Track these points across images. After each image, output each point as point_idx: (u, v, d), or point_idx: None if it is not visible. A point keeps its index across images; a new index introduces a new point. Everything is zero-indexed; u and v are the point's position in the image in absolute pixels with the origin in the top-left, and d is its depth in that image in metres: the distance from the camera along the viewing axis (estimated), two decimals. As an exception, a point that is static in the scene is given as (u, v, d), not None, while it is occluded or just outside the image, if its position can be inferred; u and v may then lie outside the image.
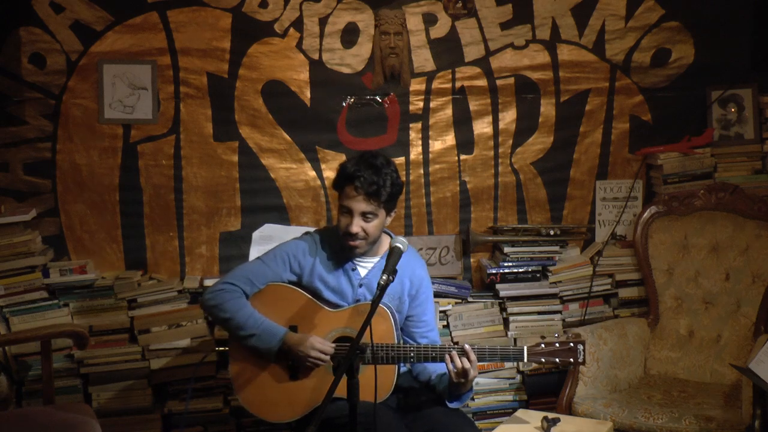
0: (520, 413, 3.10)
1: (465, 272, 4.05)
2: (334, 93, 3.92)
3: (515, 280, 3.92)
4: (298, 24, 3.85)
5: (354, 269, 2.96)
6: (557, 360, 2.80)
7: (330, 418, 2.72)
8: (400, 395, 2.95)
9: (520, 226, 4.04)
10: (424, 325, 3.06)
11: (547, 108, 4.04)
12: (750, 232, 3.75)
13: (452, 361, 2.75)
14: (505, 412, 3.80)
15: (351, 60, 3.90)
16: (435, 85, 3.96)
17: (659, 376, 3.70)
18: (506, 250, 3.93)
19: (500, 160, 4.05)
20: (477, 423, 3.81)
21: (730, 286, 3.73)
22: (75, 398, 3.62)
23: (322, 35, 3.87)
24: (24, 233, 3.65)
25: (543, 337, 2.87)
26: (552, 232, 3.99)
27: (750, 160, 4.01)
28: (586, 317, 3.93)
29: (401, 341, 2.98)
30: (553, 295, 3.92)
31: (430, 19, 3.91)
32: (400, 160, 3.96)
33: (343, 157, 3.94)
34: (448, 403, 2.88)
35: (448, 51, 3.94)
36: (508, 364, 3.82)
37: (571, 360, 2.80)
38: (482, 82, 3.98)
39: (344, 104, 3.93)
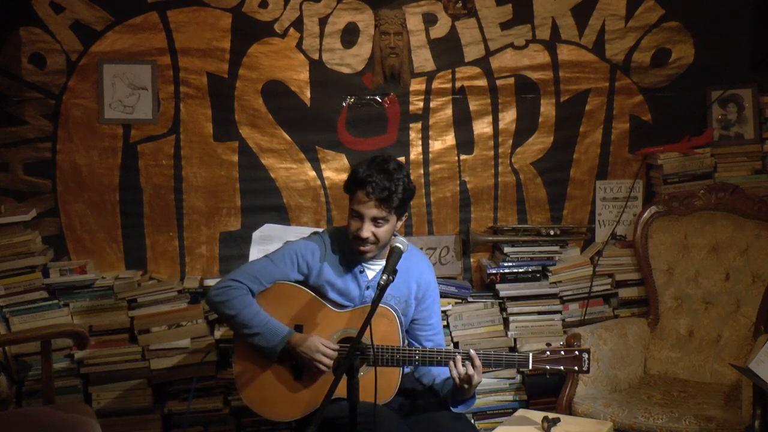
0: (520, 413, 3.10)
1: (465, 272, 4.05)
2: (334, 93, 3.92)
3: (515, 280, 3.92)
4: (298, 24, 3.85)
5: (362, 271, 2.96)
6: (562, 368, 2.79)
7: (331, 418, 2.71)
8: (402, 397, 2.94)
9: (520, 226, 4.04)
10: (430, 328, 3.06)
11: (547, 108, 4.04)
12: (750, 232, 3.75)
13: (456, 366, 2.74)
14: (505, 412, 3.80)
15: (351, 60, 3.90)
16: (435, 85, 3.96)
17: (659, 376, 3.70)
18: (506, 250, 3.93)
19: (500, 160, 4.05)
20: (477, 423, 3.81)
21: (730, 286, 3.73)
22: (75, 398, 3.62)
23: (322, 35, 3.87)
24: (24, 233, 3.65)
25: (548, 344, 2.85)
26: (552, 232, 3.99)
27: (750, 160, 4.01)
28: (586, 317, 3.93)
29: (406, 344, 2.97)
30: (553, 295, 3.92)
31: (430, 19, 3.91)
32: (399, 160, 3.95)
33: (343, 158, 3.95)
34: (451, 408, 2.87)
35: (448, 51, 3.94)
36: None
37: (576, 368, 2.80)
38: (482, 82, 3.98)
39: (344, 104, 3.93)
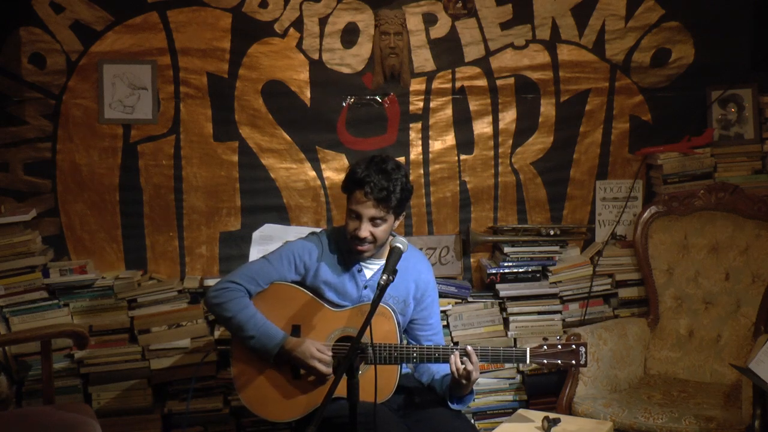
0: (521, 413, 3.10)
1: (465, 272, 4.05)
2: (334, 93, 3.92)
3: (515, 280, 3.92)
4: (298, 24, 3.85)
5: (360, 271, 2.96)
6: (559, 362, 2.80)
7: (330, 418, 2.72)
8: (402, 396, 2.94)
9: (520, 226, 4.04)
10: (430, 328, 3.06)
11: (547, 108, 4.04)
12: (750, 232, 3.74)
13: (454, 362, 2.75)
14: (505, 412, 3.80)
15: (351, 60, 3.90)
16: (435, 85, 3.96)
17: (659, 376, 3.70)
18: (506, 250, 3.93)
19: (500, 160, 4.05)
20: (477, 423, 3.81)
21: (730, 286, 3.73)
22: (75, 398, 3.62)
23: (322, 35, 3.87)
24: (24, 233, 3.65)
25: (545, 339, 2.86)
26: (552, 232, 3.99)
27: (750, 160, 4.01)
28: (586, 317, 3.93)
29: (404, 342, 2.97)
30: (553, 295, 3.92)
31: (430, 19, 3.91)
32: (399, 160, 3.95)
33: (343, 158, 3.95)
34: (450, 404, 2.88)
35: (448, 51, 3.94)
36: (508, 364, 3.82)
37: (573, 362, 2.80)
38: (482, 82, 3.99)
39: (344, 104, 3.93)
